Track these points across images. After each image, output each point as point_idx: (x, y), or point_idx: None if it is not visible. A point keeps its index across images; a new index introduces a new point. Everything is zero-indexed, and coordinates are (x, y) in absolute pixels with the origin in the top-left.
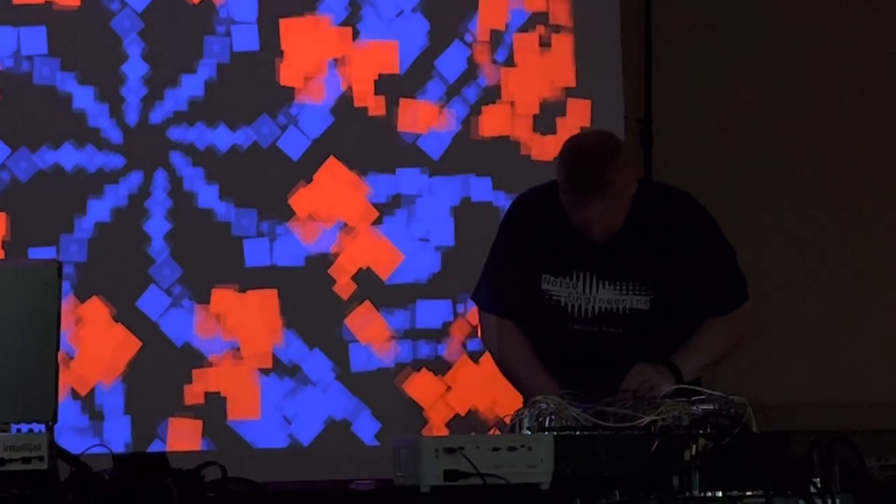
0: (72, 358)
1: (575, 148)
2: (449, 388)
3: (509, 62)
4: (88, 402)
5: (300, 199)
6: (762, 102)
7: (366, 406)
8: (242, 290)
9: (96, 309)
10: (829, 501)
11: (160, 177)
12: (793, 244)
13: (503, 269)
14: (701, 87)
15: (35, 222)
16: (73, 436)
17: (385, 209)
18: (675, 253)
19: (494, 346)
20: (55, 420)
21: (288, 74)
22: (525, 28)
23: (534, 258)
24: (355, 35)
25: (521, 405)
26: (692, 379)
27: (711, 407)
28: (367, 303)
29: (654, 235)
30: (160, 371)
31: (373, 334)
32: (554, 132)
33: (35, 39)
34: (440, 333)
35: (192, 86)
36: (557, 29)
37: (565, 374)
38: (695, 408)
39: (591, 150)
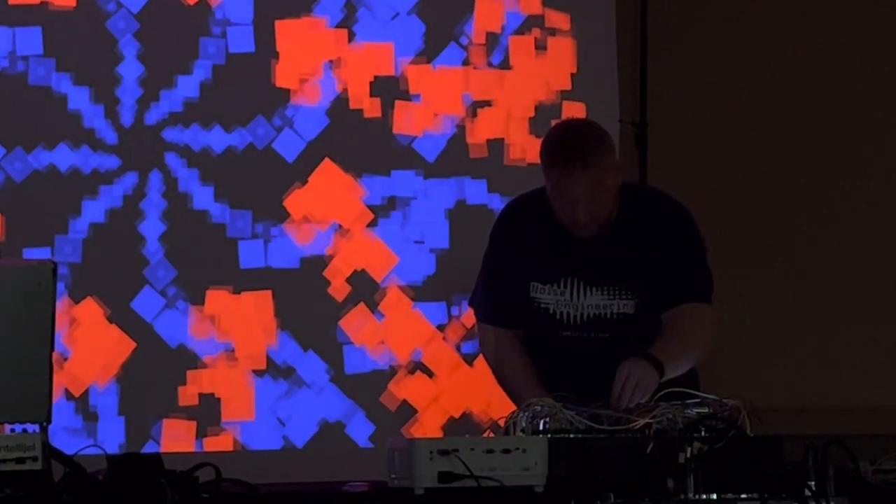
0: (66, 359)
1: (560, 127)
2: (443, 390)
3: (505, 65)
4: (82, 403)
5: (295, 201)
6: (758, 106)
7: (360, 408)
8: (237, 291)
9: (90, 310)
10: None
11: (155, 178)
12: (788, 248)
13: (494, 278)
14: (696, 90)
15: (30, 223)
16: (66, 436)
17: (380, 211)
18: (655, 253)
19: (492, 354)
20: (49, 420)
21: (283, 76)
22: (521, 31)
23: (522, 266)
24: (351, 37)
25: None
26: (674, 375)
27: (706, 410)
28: (361, 305)
29: (637, 238)
30: (154, 372)
31: (367, 336)
32: None
33: (30, 40)
34: (435, 336)
35: (187, 87)
36: (553, 32)
37: (558, 380)
38: (689, 411)
39: (575, 128)
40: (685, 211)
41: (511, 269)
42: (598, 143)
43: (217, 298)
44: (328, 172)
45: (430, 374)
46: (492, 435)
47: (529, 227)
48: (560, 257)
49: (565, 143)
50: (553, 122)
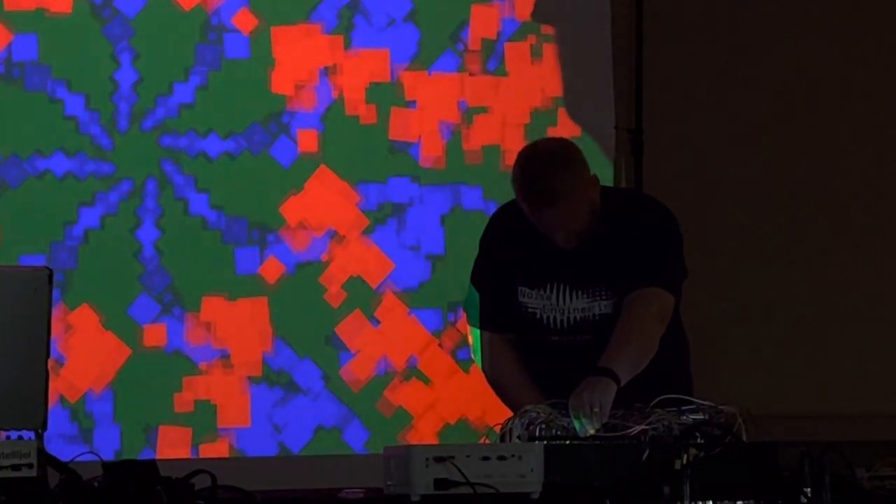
0: (62, 365)
1: (526, 158)
2: (439, 397)
3: (500, 71)
4: (78, 410)
5: (291, 208)
6: (754, 112)
7: (356, 415)
8: (233, 298)
9: (86, 316)
10: None
11: (151, 184)
12: (783, 254)
13: (485, 285)
14: (692, 97)
15: (25, 230)
16: (62, 443)
17: (376, 217)
18: (630, 248)
19: (486, 360)
20: (45, 427)
21: (279, 82)
22: (516, 37)
23: (510, 272)
24: (347, 43)
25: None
26: (631, 375)
27: (702, 417)
28: (357, 311)
29: (618, 240)
30: (150, 379)
31: (363, 343)
32: None
33: (26, 46)
34: (430, 342)
35: (183, 93)
36: (549, 39)
37: (549, 385)
38: (685, 417)
39: (540, 160)
40: (662, 207)
41: (500, 275)
42: (566, 171)
43: (213, 305)
44: (324, 179)
45: (426, 380)
46: (488, 442)
47: (516, 234)
48: (545, 263)
49: (532, 180)
50: (549, 129)
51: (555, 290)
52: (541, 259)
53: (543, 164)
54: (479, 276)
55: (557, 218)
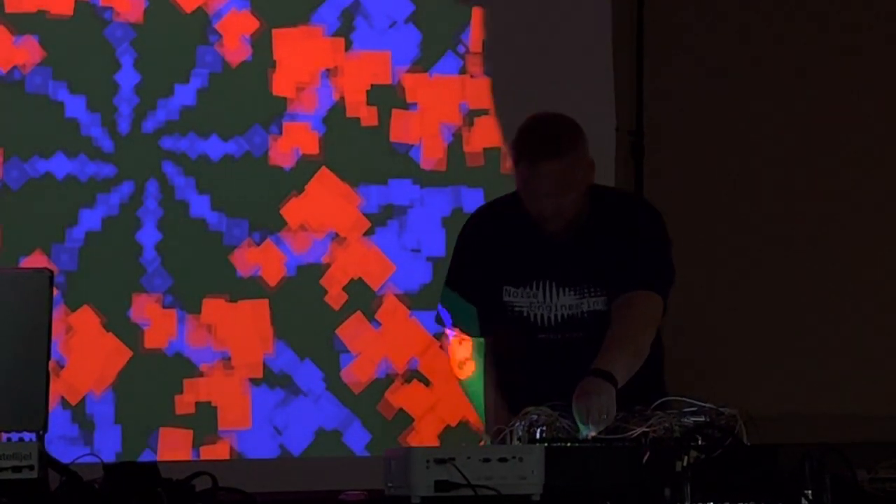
0: (62, 367)
1: (530, 119)
2: (440, 399)
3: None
4: (79, 412)
5: (292, 210)
6: (753, 113)
7: (356, 417)
8: (234, 299)
9: (87, 318)
10: None
11: (152, 186)
12: (783, 257)
13: (464, 286)
14: (692, 98)
15: (26, 231)
16: (63, 445)
17: (377, 220)
18: (619, 247)
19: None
20: (45, 429)
21: (280, 84)
22: None
23: (494, 271)
24: (348, 45)
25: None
26: (627, 377)
27: (702, 419)
28: (358, 313)
29: (607, 238)
30: (151, 381)
31: (364, 345)
32: None
33: (28, 48)
34: (431, 344)
35: (184, 95)
36: (548, 41)
37: (537, 383)
38: (686, 419)
39: (547, 118)
40: (652, 209)
41: (483, 274)
42: (568, 135)
43: (214, 307)
44: (325, 181)
45: (426, 382)
46: (487, 444)
47: (499, 232)
48: (531, 259)
49: (534, 133)
50: None
51: (541, 287)
52: (526, 256)
53: (548, 125)
54: (456, 276)
55: (554, 177)
